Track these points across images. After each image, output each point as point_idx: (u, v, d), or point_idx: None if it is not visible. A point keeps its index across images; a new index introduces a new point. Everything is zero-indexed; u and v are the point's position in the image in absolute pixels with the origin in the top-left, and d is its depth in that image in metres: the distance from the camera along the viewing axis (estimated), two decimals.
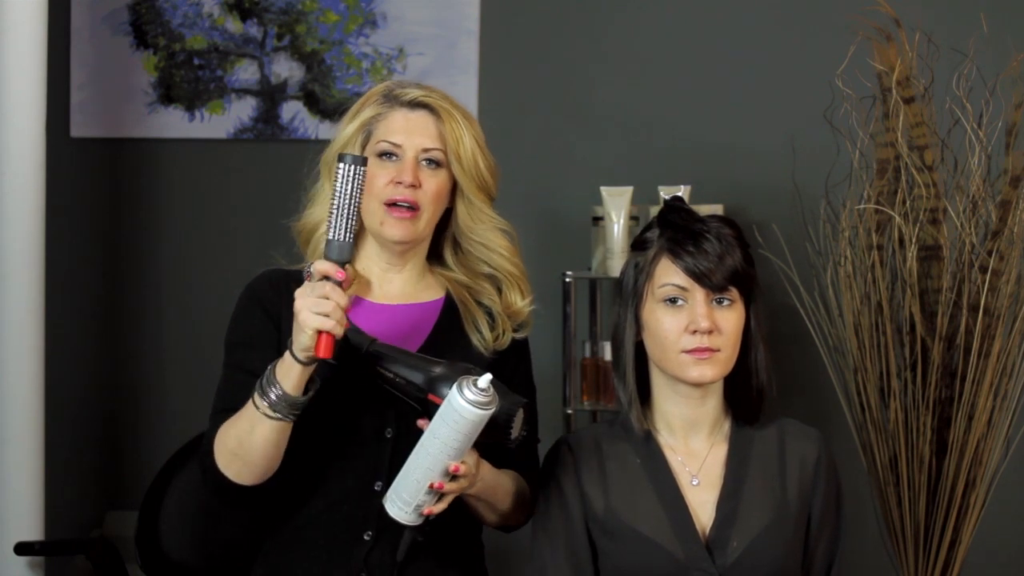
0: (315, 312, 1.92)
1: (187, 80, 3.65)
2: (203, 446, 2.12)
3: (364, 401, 2.11)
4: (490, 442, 2.00)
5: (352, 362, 2.05)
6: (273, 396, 1.98)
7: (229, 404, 2.09)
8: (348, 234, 1.96)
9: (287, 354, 1.97)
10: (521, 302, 2.22)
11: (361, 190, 1.96)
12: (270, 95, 3.63)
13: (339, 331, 1.94)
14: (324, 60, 3.62)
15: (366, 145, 2.17)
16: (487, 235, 2.21)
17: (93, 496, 3.65)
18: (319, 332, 1.93)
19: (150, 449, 3.56)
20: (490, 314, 2.21)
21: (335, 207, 1.95)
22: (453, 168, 2.17)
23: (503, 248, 2.22)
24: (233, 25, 3.64)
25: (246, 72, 3.64)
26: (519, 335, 2.23)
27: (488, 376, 1.91)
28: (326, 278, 1.95)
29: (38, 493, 3.18)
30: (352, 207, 1.95)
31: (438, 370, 2.00)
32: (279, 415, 1.98)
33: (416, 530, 2.03)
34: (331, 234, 1.96)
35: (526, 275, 2.25)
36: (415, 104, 2.17)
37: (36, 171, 3.16)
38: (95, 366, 3.68)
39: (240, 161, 3.64)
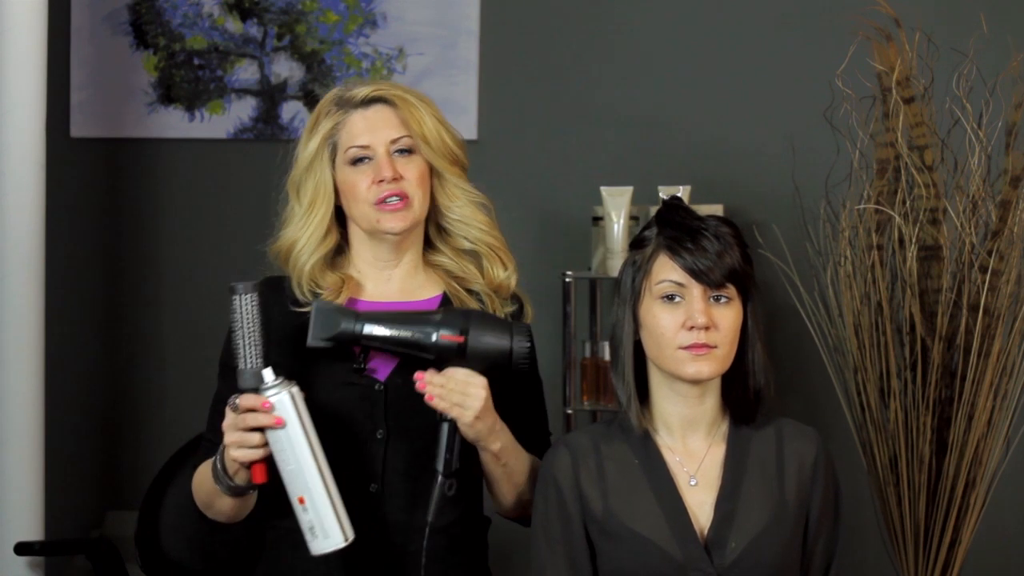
0: (246, 447, 2.00)
1: (187, 80, 3.65)
2: (190, 470, 2.19)
3: (352, 404, 2.13)
4: (492, 369, 2.07)
5: (349, 345, 2.08)
6: (228, 485, 2.07)
7: (216, 430, 2.15)
8: (260, 360, 2.00)
9: (216, 484, 2.06)
10: (503, 273, 2.23)
11: (260, 314, 2.00)
12: (270, 95, 3.63)
13: (265, 454, 2.01)
14: (324, 60, 3.62)
15: (335, 157, 2.17)
16: (464, 211, 2.22)
17: (93, 496, 3.65)
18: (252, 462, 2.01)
19: (150, 449, 3.56)
20: (480, 300, 2.22)
21: (241, 338, 1.99)
22: (423, 151, 2.17)
23: (481, 222, 2.22)
24: (233, 25, 3.64)
25: (246, 72, 3.64)
26: (510, 309, 2.23)
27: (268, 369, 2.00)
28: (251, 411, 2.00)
29: (38, 493, 3.18)
30: (257, 333, 2.00)
31: (438, 316, 2.07)
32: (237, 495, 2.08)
33: (444, 485, 2.06)
34: (243, 364, 2.00)
35: (506, 245, 2.25)
36: (368, 101, 2.17)
37: (36, 171, 3.16)
38: (95, 366, 3.68)
39: (240, 161, 3.64)
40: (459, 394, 2.05)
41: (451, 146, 2.19)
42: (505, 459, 2.13)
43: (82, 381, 3.65)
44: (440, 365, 2.07)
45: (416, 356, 2.08)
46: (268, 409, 1.97)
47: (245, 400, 1.98)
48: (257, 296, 2.00)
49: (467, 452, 2.10)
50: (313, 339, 2.07)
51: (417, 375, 2.06)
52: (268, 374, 1.99)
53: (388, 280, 2.22)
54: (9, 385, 3.14)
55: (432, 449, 2.08)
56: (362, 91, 2.17)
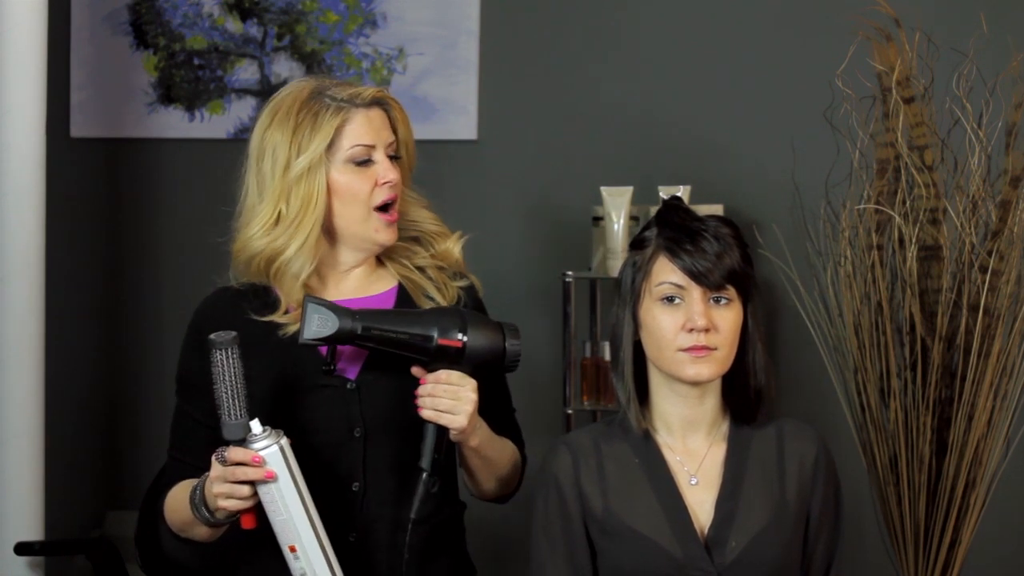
0: (236, 498, 1.98)
1: (187, 80, 3.65)
2: (157, 487, 2.19)
3: (326, 405, 2.12)
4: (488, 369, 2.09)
5: (341, 344, 2.08)
6: (207, 520, 2.05)
7: (180, 447, 2.16)
8: (245, 412, 1.98)
9: (194, 514, 2.03)
10: (455, 246, 2.24)
11: (242, 365, 1.97)
12: (270, 95, 3.62)
13: (255, 503, 2.00)
14: (324, 60, 3.62)
15: (328, 153, 2.14)
16: (419, 213, 2.23)
17: (93, 496, 3.65)
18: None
19: (150, 449, 3.56)
20: (428, 276, 2.22)
21: (224, 391, 1.96)
22: (404, 158, 2.19)
23: (429, 219, 2.24)
24: (233, 25, 3.64)
25: (246, 72, 3.64)
26: (462, 283, 2.23)
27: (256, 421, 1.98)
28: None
29: (38, 493, 3.18)
30: (240, 385, 1.97)
31: (432, 317, 2.07)
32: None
33: (430, 483, 2.06)
34: (227, 416, 1.97)
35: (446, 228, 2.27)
36: (372, 103, 2.15)
37: (36, 171, 3.16)
38: (95, 366, 3.68)
39: (240, 161, 3.63)
40: (449, 400, 2.05)
41: (413, 152, 2.22)
42: (484, 451, 2.14)
43: (82, 381, 3.65)
44: (430, 365, 2.07)
45: (405, 356, 2.07)
46: (259, 463, 1.96)
47: (234, 454, 1.96)
48: (237, 348, 1.97)
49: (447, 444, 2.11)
50: (308, 336, 2.04)
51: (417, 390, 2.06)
52: (256, 426, 1.97)
53: (345, 279, 2.20)
54: (9, 385, 3.14)
55: (413, 443, 2.08)
56: (364, 91, 2.15)
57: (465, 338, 2.06)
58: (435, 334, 2.05)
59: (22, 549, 3.10)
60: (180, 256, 3.66)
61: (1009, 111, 2.85)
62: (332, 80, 2.20)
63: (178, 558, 2.20)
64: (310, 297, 2.07)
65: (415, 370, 2.08)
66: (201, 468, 2.06)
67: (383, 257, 2.23)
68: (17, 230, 3.14)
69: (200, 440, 2.11)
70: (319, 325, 2.04)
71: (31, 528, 3.15)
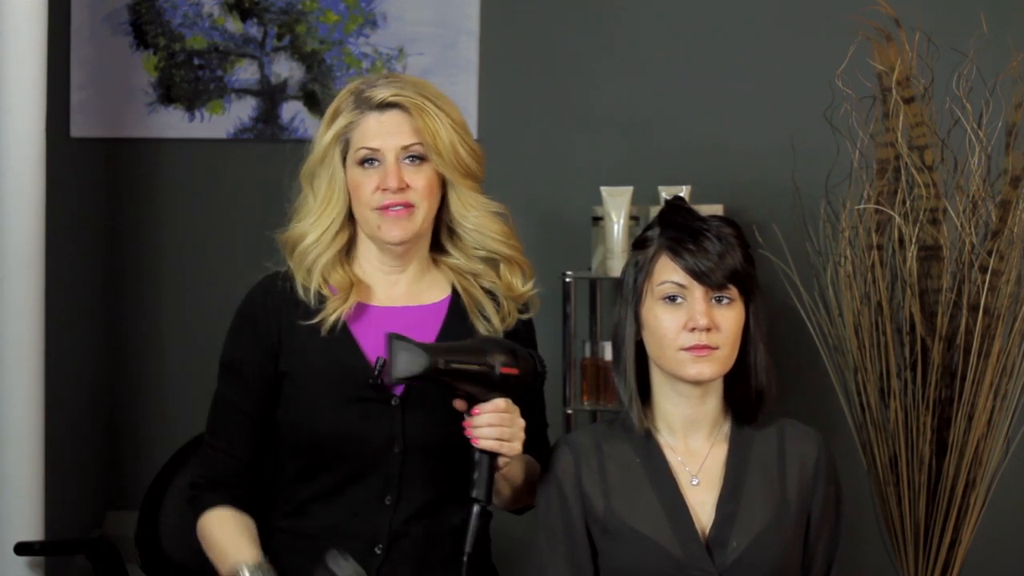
0: None
1: (187, 80, 3.64)
2: (195, 484, 2.19)
3: (367, 419, 2.12)
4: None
5: (424, 381, 2.06)
6: None
7: (218, 435, 2.16)
8: None
9: None
10: (523, 286, 2.22)
11: None
12: (270, 95, 3.63)
13: None
14: (324, 60, 3.62)
15: (346, 154, 2.15)
16: (480, 221, 2.19)
17: (93, 496, 3.64)
18: None
19: (150, 449, 3.56)
20: (495, 297, 2.20)
21: None
22: (435, 161, 2.13)
23: (497, 232, 2.20)
24: (233, 25, 3.64)
25: (246, 72, 3.64)
26: (525, 316, 2.23)
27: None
28: None
29: (38, 493, 3.17)
30: None
31: (486, 346, 2.07)
32: None
33: (481, 517, 2.05)
34: None
35: (523, 253, 2.24)
36: (385, 105, 2.14)
37: (36, 171, 3.16)
38: (95, 366, 3.67)
39: (240, 161, 3.64)
40: (509, 429, 2.05)
41: (465, 159, 2.15)
42: (508, 472, 2.13)
43: (82, 381, 3.65)
44: (489, 395, 2.06)
45: (464, 389, 2.06)
46: None
47: None
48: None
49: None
50: (398, 375, 2.02)
51: (466, 423, 2.06)
52: None
53: (395, 284, 2.20)
54: (9, 385, 3.14)
55: (450, 463, 2.09)
56: (380, 93, 2.14)
57: (518, 365, 2.07)
58: (497, 364, 2.05)
59: (22, 549, 3.09)
60: (180, 256, 3.66)
61: (1009, 111, 2.85)
62: (377, 77, 2.19)
63: (178, 557, 2.21)
64: (394, 334, 2.04)
65: (458, 404, 2.07)
66: (233, 456, 2.09)
67: (439, 260, 2.23)
68: (17, 230, 3.14)
69: (235, 426, 2.12)
70: (409, 363, 2.02)
71: (31, 528, 3.15)
